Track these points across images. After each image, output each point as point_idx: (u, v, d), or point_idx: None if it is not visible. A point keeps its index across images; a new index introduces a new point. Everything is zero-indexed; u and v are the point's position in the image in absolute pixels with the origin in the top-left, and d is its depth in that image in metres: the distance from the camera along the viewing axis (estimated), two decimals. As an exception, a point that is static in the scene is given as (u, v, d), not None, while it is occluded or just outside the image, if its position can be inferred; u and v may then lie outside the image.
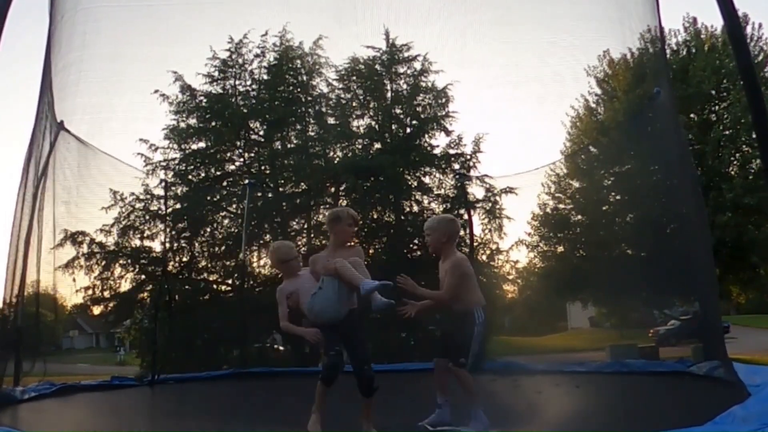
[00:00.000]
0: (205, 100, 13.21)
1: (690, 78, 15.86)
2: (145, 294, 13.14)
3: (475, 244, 11.58)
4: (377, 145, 13.63)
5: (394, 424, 3.83)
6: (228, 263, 13.09)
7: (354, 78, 13.76)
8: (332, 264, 3.69)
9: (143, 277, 12.94)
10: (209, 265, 13.28)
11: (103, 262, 12.46)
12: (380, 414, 3.71)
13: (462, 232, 13.00)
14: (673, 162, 6.04)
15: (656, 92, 6.63)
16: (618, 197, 15.30)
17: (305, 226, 13.51)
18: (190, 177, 13.12)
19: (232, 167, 13.71)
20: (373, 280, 3.63)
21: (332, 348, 3.65)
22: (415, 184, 13.45)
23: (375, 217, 13.32)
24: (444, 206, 13.41)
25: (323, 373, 3.66)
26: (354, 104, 13.74)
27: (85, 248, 12.19)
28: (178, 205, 12.65)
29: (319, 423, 3.63)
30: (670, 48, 16.80)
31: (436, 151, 13.69)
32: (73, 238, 11.73)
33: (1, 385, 5.55)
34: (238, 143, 13.47)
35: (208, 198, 13.06)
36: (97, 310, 14.02)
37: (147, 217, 12.60)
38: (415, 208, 13.51)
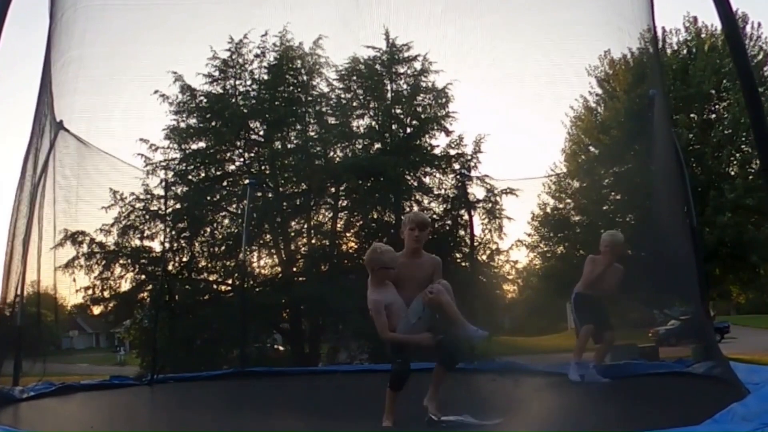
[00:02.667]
0: (205, 100, 13.20)
1: (690, 78, 15.87)
2: (145, 294, 13.15)
3: (475, 244, 11.59)
4: (377, 145, 13.64)
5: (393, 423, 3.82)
6: (228, 263, 13.09)
7: (354, 78, 13.76)
8: (437, 297, 3.64)
9: (143, 277, 12.94)
10: (209, 265, 13.29)
11: (103, 262, 12.46)
12: (379, 413, 3.70)
13: (462, 232, 13.09)
14: (664, 163, 6.07)
15: (651, 94, 6.65)
16: (618, 197, 15.29)
17: (305, 226, 13.51)
18: (190, 177, 13.12)
19: (232, 167, 13.71)
20: (477, 329, 3.69)
21: (400, 356, 3.71)
22: (416, 184, 13.46)
23: (375, 217, 13.33)
24: (444, 206, 13.43)
25: (391, 379, 3.71)
26: (354, 104, 13.74)
27: (85, 248, 12.20)
28: (178, 205, 12.65)
29: (387, 417, 3.69)
30: (670, 48, 16.81)
31: (437, 151, 13.71)
32: (73, 237, 11.73)
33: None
34: (238, 143, 13.48)
35: (208, 198, 13.07)
36: (97, 310, 14.03)
37: (147, 217, 12.60)
38: (415, 208, 13.51)
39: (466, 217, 12.72)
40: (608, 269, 5.56)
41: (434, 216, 13.40)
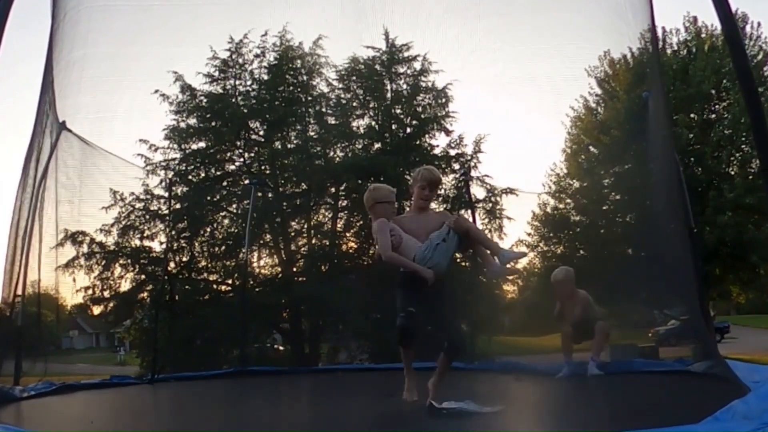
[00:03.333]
0: (205, 100, 13.21)
1: (690, 78, 15.89)
2: (145, 294, 13.15)
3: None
4: (377, 145, 13.65)
5: (393, 422, 3.83)
6: (228, 263, 13.10)
7: (354, 78, 13.77)
8: (466, 222, 3.65)
9: (143, 277, 12.94)
10: (209, 265, 13.29)
11: (103, 262, 12.46)
12: (379, 414, 3.71)
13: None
14: (662, 165, 6.08)
15: (645, 96, 6.69)
16: (618, 197, 15.31)
17: (305, 226, 13.51)
18: (190, 177, 13.13)
19: (232, 167, 13.72)
20: (512, 250, 3.75)
21: (406, 308, 3.61)
22: (416, 184, 13.45)
23: (375, 217, 13.33)
24: (444, 206, 13.42)
25: (396, 336, 3.64)
26: (354, 104, 13.75)
27: (85, 248, 12.19)
28: (178, 205, 12.66)
29: (410, 391, 3.66)
30: (670, 48, 16.82)
31: (437, 151, 13.72)
32: (74, 237, 11.72)
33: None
34: (238, 143, 13.48)
35: (209, 198, 13.07)
36: (97, 310, 14.02)
37: (147, 217, 12.61)
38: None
39: (466, 217, 12.74)
40: (567, 303, 5.61)
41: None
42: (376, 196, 3.93)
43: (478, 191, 12.84)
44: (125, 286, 12.82)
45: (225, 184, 13.54)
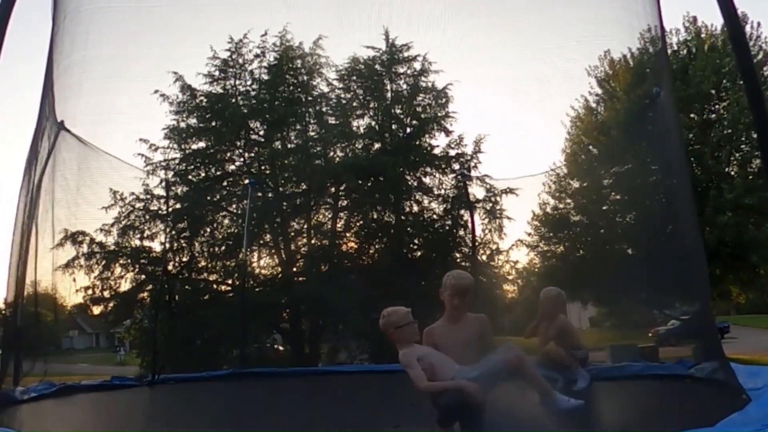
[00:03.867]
0: (205, 100, 13.21)
1: (690, 78, 15.87)
2: (145, 294, 13.15)
3: (476, 244, 11.60)
4: (377, 145, 13.65)
5: (392, 423, 3.83)
6: (228, 263, 13.10)
7: (354, 78, 13.78)
8: (521, 360, 3.31)
9: (143, 277, 12.94)
10: (209, 265, 13.29)
11: (103, 262, 12.47)
12: (379, 413, 3.71)
13: (462, 232, 13.09)
14: (672, 162, 6.04)
15: (656, 92, 6.61)
16: (618, 197, 15.30)
17: (305, 226, 13.52)
18: (190, 177, 13.13)
19: (232, 167, 13.72)
20: (569, 399, 3.39)
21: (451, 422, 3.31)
22: (416, 184, 13.47)
23: (375, 217, 13.34)
24: (444, 206, 13.44)
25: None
26: (354, 104, 13.76)
27: (85, 248, 12.20)
28: (178, 205, 12.66)
29: None
30: (670, 48, 16.80)
31: (437, 151, 13.73)
32: (73, 237, 11.72)
33: (0, 386, 5.55)
34: (238, 143, 13.48)
35: (208, 198, 13.07)
36: (97, 310, 14.01)
37: (147, 217, 12.61)
38: (415, 209, 13.53)
39: (466, 217, 12.75)
40: (545, 323, 5.21)
41: (434, 216, 13.43)
42: (393, 321, 3.59)
43: (478, 191, 12.86)
44: (125, 286, 12.85)
45: (225, 184, 13.54)
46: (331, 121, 13.56)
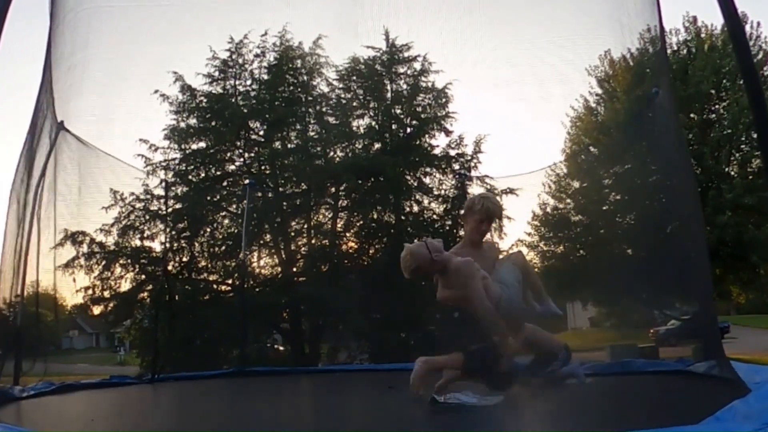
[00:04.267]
0: (205, 100, 13.22)
1: (690, 78, 15.90)
2: (145, 294, 13.15)
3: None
4: (377, 145, 13.66)
5: (392, 423, 3.83)
6: (228, 263, 13.11)
7: (354, 78, 13.79)
8: (524, 260, 3.38)
9: (143, 277, 12.95)
10: (209, 265, 13.30)
11: (103, 262, 12.47)
12: (378, 413, 3.71)
13: (462, 233, 13.06)
14: (672, 162, 6.04)
15: (654, 92, 6.62)
16: (618, 197, 15.32)
17: (305, 226, 13.52)
18: (190, 177, 13.14)
19: (232, 167, 13.72)
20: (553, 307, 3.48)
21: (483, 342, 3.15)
22: (416, 184, 13.47)
23: (375, 217, 13.34)
24: (444, 206, 13.43)
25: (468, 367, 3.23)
26: (354, 104, 13.77)
27: (85, 248, 12.20)
28: (178, 205, 12.67)
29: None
30: (670, 48, 16.82)
31: (437, 151, 13.73)
32: (73, 237, 11.72)
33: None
34: (238, 143, 13.49)
35: (208, 198, 13.08)
36: (97, 310, 14.02)
37: (147, 217, 12.61)
38: (415, 209, 13.53)
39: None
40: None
41: (434, 216, 13.43)
42: (435, 246, 3.27)
43: (478, 191, 12.83)
44: (125, 286, 12.86)
45: (225, 184, 13.54)
46: (331, 121, 13.57)
